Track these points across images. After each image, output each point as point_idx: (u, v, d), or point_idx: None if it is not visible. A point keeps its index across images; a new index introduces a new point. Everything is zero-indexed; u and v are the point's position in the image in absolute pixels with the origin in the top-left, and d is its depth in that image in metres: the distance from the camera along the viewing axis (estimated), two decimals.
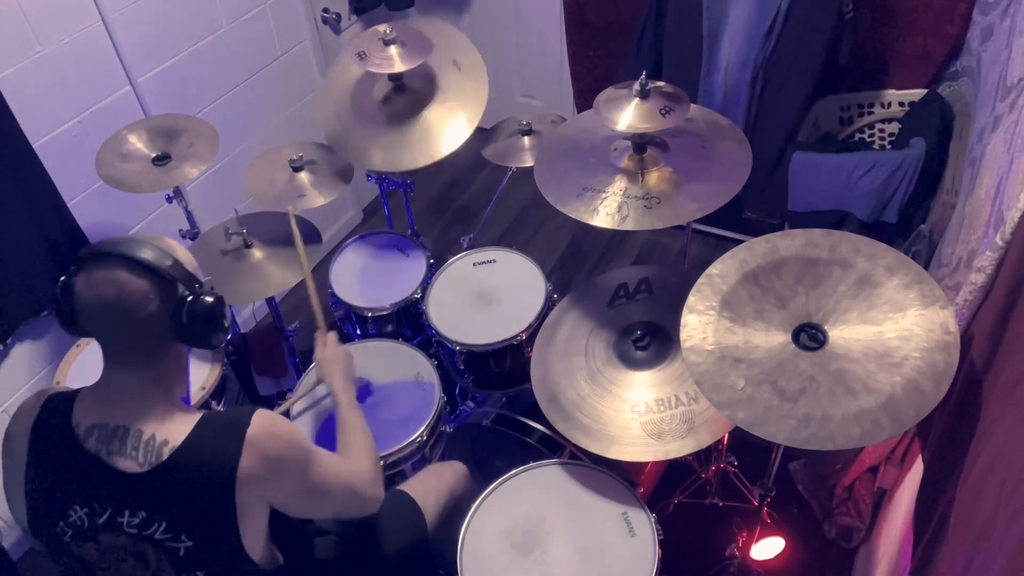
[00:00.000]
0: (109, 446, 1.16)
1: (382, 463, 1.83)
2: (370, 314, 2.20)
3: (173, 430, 1.17)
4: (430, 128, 2.11)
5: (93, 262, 1.14)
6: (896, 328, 1.26)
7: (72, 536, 1.18)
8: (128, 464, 1.15)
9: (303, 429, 1.89)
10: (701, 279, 1.40)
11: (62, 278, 1.18)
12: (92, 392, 1.21)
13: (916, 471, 1.70)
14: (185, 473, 1.15)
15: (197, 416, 1.20)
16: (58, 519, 1.18)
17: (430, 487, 1.74)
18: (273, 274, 1.98)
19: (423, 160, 2.08)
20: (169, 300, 1.17)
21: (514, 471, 1.70)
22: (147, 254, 1.14)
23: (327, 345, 1.72)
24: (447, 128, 2.11)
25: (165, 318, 1.17)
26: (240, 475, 1.15)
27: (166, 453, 1.15)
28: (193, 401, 1.91)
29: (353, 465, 1.41)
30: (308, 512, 1.39)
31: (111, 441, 1.16)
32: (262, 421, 1.20)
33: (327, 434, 1.79)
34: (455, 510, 1.74)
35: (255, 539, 1.22)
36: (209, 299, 1.20)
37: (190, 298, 1.18)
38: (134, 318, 1.14)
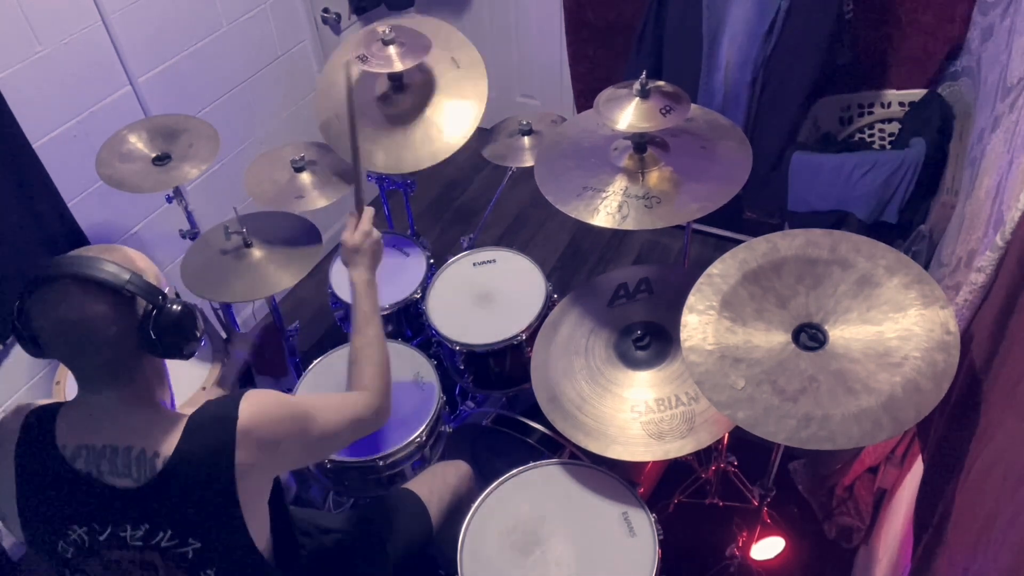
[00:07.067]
0: (100, 466, 1.12)
1: (386, 460, 1.84)
2: None
3: (162, 440, 1.13)
4: (431, 128, 2.11)
5: (46, 285, 1.07)
6: (896, 328, 1.26)
7: (74, 554, 1.15)
8: (123, 481, 1.12)
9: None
10: (701, 279, 1.40)
11: (16, 303, 1.11)
12: (73, 410, 1.17)
13: (916, 471, 1.70)
14: (183, 480, 1.12)
15: (184, 418, 1.17)
16: (57, 539, 1.15)
17: (435, 486, 1.73)
18: (273, 274, 1.98)
19: (426, 161, 2.07)
20: (131, 317, 1.11)
21: (514, 471, 1.70)
22: (101, 272, 1.07)
23: (357, 229, 1.60)
24: (448, 127, 2.10)
25: (131, 335, 1.11)
26: (239, 467, 1.13)
27: (159, 465, 1.12)
28: (194, 402, 1.91)
29: (358, 396, 1.38)
30: (321, 459, 1.37)
31: (101, 461, 1.12)
32: (250, 407, 1.17)
33: None
34: (457, 509, 1.74)
35: (259, 530, 1.21)
36: (176, 308, 1.14)
37: (154, 311, 1.12)
38: (97, 341, 1.08)
